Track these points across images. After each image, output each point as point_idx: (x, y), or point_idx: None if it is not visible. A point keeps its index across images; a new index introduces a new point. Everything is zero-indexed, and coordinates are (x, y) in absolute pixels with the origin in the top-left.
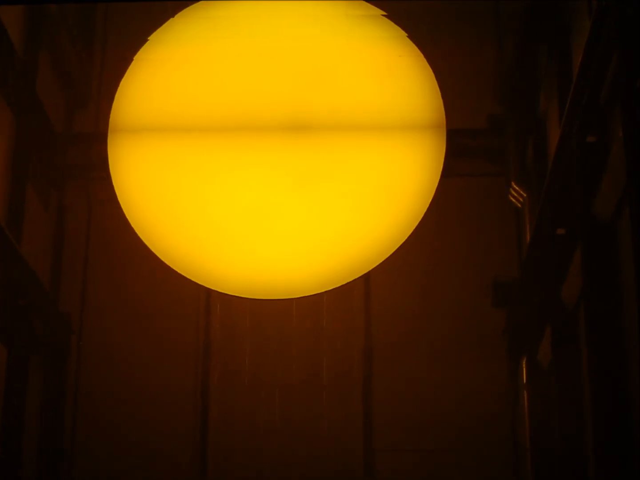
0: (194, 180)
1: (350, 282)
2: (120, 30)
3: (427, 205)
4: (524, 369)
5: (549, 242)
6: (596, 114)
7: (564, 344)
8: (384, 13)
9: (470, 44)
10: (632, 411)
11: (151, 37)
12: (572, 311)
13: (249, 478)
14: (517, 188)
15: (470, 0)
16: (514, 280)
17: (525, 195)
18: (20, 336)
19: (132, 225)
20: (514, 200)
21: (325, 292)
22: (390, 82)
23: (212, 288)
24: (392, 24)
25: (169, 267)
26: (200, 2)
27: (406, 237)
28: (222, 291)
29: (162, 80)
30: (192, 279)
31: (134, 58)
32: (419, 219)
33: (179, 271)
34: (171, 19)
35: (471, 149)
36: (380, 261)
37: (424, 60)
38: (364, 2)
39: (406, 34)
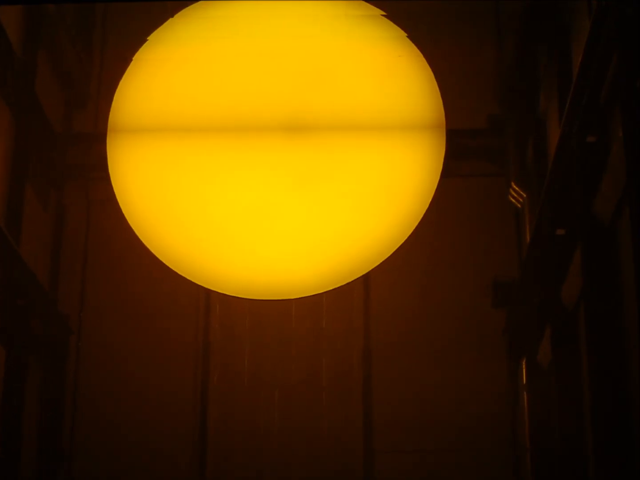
0: (194, 180)
1: (349, 282)
2: (120, 30)
3: (427, 206)
4: (524, 369)
5: (548, 242)
6: (596, 114)
7: (564, 344)
8: (384, 13)
9: (470, 44)
10: (632, 411)
11: (150, 37)
12: (572, 311)
13: (248, 478)
14: (516, 188)
15: (470, 0)
16: (513, 281)
17: (525, 195)
18: (19, 336)
19: (131, 226)
20: (513, 200)
21: (325, 292)
22: (390, 82)
23: (212, 288)
24: (392, 24)
25: (168, 267)
26: (200, 2)
27: (406, 238)
28: (222, 292)
29: (161, 80)
30: (192, 280)
31: (133, 58)
32: (419, 219)
33: (178, 271)
34: (171, 19)
35: (471, 149)
36: (380, 261)
37: (424, 60)
38: (363, 2)
39: (406, 34)
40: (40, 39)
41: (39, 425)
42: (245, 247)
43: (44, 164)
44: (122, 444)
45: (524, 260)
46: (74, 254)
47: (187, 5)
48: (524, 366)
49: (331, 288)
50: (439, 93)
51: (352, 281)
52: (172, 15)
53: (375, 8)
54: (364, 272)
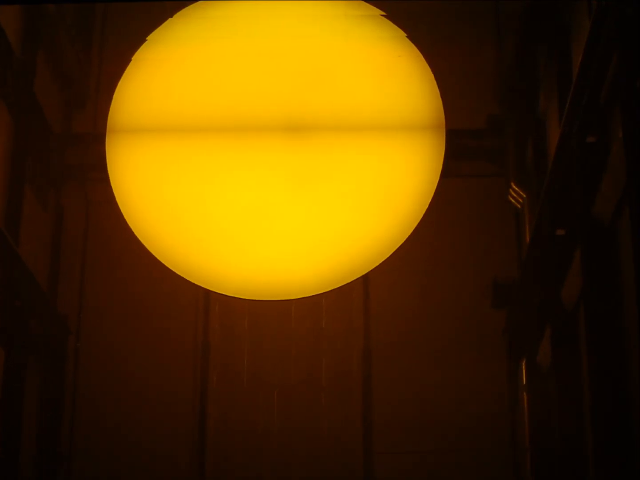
0: (193, 180)
1: (349, 282)
2: (119, 30)
3: (427, 206)
4: (524, 369)
5: (548, 242)
6: (596, 114)
7: (564, 344)
8: (383, 13)
9: (470, 44)
10: (632, 411)
11: (150, 37)
12: (572, 311)
13: (248, 478)
14: (516, 188)
15: (470, 0)
16: (513, 281)
17: (524, 195)
18: (18, 337)
19: (130, 226)
20: (513, 200)
21: (325, 292)
22: (390, 82)
23: (211, 289)
24: (392, 24)
25: (167, 268)
26: (199, 2)
27: (406, 238)
28: (221, 292)
29: (160, 80)
30: (191, 280)
31: (133, 58)
32: (419, 220)
33: (177, 272)
34: (170, 19)
35: (471, 149)
36: (380, 262)
37: (424, 60)
38: (363, 2)
39: (405, 34)
40: (40, 39)
41: (39, 426)
42: (244, 248)
43: (42, 164)
44: (121, 444)
45: (523, 260)
46: (73, 254)
47: (186, 5)
48: (523, 366)
49: (331, 288)
50: (438, 93)
51: (352, 281)
52: (171, 15)
53: (374, 8)
54: (363, 273)
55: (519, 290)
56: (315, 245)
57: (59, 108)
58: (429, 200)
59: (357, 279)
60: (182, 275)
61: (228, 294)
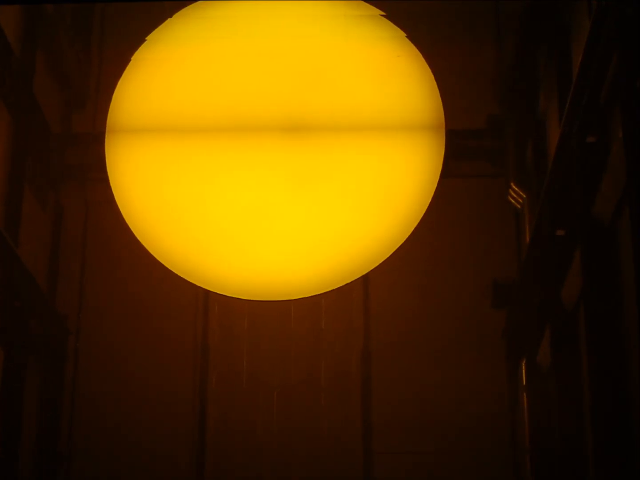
0: (192, 180)
1: (349, 283)
2: (118, 31)
3: (427, 206)
4: (524, 369)
5: (548, 242)
6: (596, 114)
7: (564, 345)
8: (383, 13)
9: (470, 44)
10: (632, 411)
11: (149, 37)
12: (572, 312)
13: (247, 479)
14: (516, 189)
15: (469, 0)
16: (513, 282)
17: (524, 195)
18: (18, 337)
19: (130, 227)
20: (513, 201)
21: (324, 293)
22: (389, 82)
23: (210, 289)
24: (391, 24)
25: (166, 268)
26: (199, 2)
27: (405, 238)
28: (220, 292)
29: (160, 80)
30: (190, 280)
31: (132, 58)
32: (418, 220)
33: (176, 272)
34: (169, 19)
35: (471, 149)
36: (380, 262)
37: (423, 60)
38: (362, 2)
39: (405, 34)
40: (39, 39)
41: (38, 426)
42: (244, 248)
43: (42, 164)
44: (121, 444)
45: (523, 260)
46: (72, 254)
47: (185, 5)
48: (523, 367)
49: (331, 289)
50: (438, 93)
51: (352, 282)
52: (170, 15)
53: (374, 8)
54: (363, 273)
55: (519, 290)
56: (314, 246)
57: (59, 108)
58: (429, 201)
59: (356, 279)
60: (181, 275)
61: (227, 295)
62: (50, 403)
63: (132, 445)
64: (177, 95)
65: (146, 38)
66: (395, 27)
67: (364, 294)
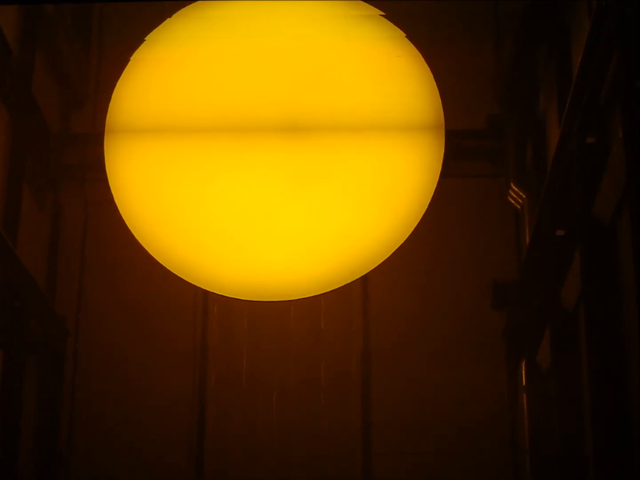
0: (191, 181)
1: (348, 283)
2: (118, 31)
3: (426, 207)
4: (524, 370)
5: (548, 242)
6: (596, 114)
7: (564, 345)
8: (382, 13)
9: (470, 44)
10: (632, 411)
11: (148, 37)
12: (572, 312)
13: (246, 479)
14: (516, 189)
15: (469, 0)
16: (513, 282)
17: (524, 196)
18: (16, 338)
19: (129, 227)
20: (513, 201)
21: (324, 293)
22: (389, 82)
23: (209, 290)
24: (391, 24)
25: (166, 268)
26: (198, 1)
27: (405, 239)
28: (220, 293)
29: (159, 80)
30: (189, 281)
31: (131, 58)
32: (418, 220)
33: (176, 273)
34: (168, 19)
35: (470, 149)
36: (379, 262)
37: (423, 60)
38: (362, 2)
39: (405, 34)
40: (38, 39)
41: (38, 426)
42: (243, 248)
43: (41, 164)
44: (120, 444)
45: (523, 261)
46: (71, 255)
47: (185, 5)
48: (523, 367)
49: (330, 289)
50: (438, 93)
51: (351, 282)
52: (169, 15)
53: (373, 8)
54: (363, 273)
55: (519, 290)
56: (314, 246)
57: (58, 108)
58: (429, 201)
59: (356, 280)
60: (180, 276)
61: (227, 295)
62: (49, 403)
63: (132, 445)
64: (176, 96)
65: (145, 38)
66: (394, 27)
67: (363, 294)
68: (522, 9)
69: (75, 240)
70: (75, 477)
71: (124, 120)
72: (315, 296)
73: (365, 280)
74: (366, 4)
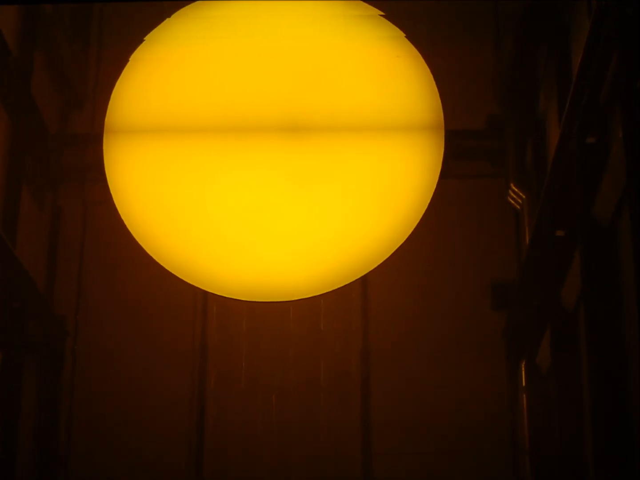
0: (190, 181)
1: (348, 284)
2: (117, 31)
3: (426, 207)
4: (523, 370)
5: (548, 242)
6: (596, 114)
7: (564, 345)
8: (382, 13)
9: (470, 44)
10: (632, 411)
11: (147, 37)
12: (572, 312)
13: None
14: (516, 189)
15: (469, 0)
16: (513, 282)
17: (524, 196)
18: (15, 338)
19: (128, 227)
20: (512, 201)
21: (323, 294)
22: (389, 82)
23: (209, 290)
24: (390, 24)
25: (165, 269)
26: (197, 2)
27: (405, 239)
28: (219, 293)
29: (158, 80)
30: (189, 281)
31: (131, 58)
32: (418, 221)
33: (175, 273)
34: (168, 19)
35: (470, 149)
36: (379, 263)
37: (423, 60)
38: (361, 2)
39: (404, 34)
40: (37, 39)
41: (37, 427)
42: (243, 249)
43: (39, 165)
44: (119, 445)
45: (523, 261)
46: (70, 255)
47: (184, 5)
48: (523, 367)
49: (330, 290)
50: (437, 93)
51: (350, 283)
52: (169, 15)
53: (373, 8)
54: (362, 274)
55: (519, 290)
56: (313, 246)
57: (57, 108)
58: (428, 201)
59: (355, 280)
60: (179, 276)
61: (226, 296)
62: (48, 403)
63: (131, 445)
64: (175, 96)
65: (145, 38)
66: (394, 27)
67: (363, 294)
68: (522, 9)
69: (75, 241)
70: (74, 477)
71: (123, 121)
72: (314, 296)
73: (365, 281)
74: (366, 4)
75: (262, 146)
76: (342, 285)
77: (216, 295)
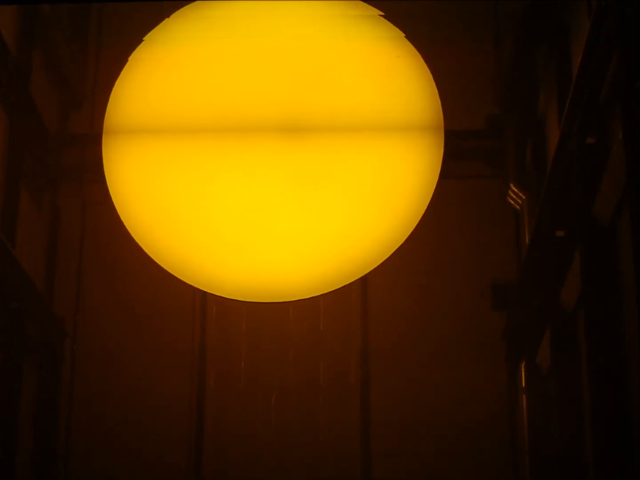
0: (190, 182)
1: (347, 284)
2: (116, 31)
3: (425, 207)
4: (523, 371)
5: (548, 243)
6: (596, 114)
7: (564, 345)
8: (382, 13)
9: (469, 44)
10: (632, 411)
11: (147, 37)
12: (571, 312)
13: None
14: (516, 190)
15: (469, 0)
16: (513, 283)
17: (524, 196)
18: (15, 339)
19: (127, 227)
20: (512, 202)
21: (323, 294)
22: (388, 82)
23: (208, 291)
24: (390, 24)
25: (164, 269)
26: (196, 1)
27: (404, 239)
28: (218, 294)
29: (157, 81)
30: (188, 282)
31: (129, 58)
32: (417, 221)
33: (174, 274)
34: (167, 19)
35: (470, 150)
36: (378, 263)
37: (422, 60)
38: (361, 2)
39: (404, 35)
40: (36, 39)
41: (36, 427)
42: (242, 249)
43: (38, 165)
44: (118, 445)
45: (523, 261)
46: (69, 256)
47: (183, 5)
48: (523, 368)
49: (329, 290)
50: (437, 94)
51: (350, 283)
52: (168, 15)
53: (373, 8)
54: (362, 274)
55: (519, 291)
56: (313, 247)
57: (56, 108)
58: (428, 202)
59: (355, 280)
60: (179, 277)
61: (225, 296)
62: (47, 404)
63: (130, 446)
64: (175, 96)
65: (144, 38)
66: (394, 27)
67: (362, 295)
68: (522, 9)
69: (74, 241)
70: (74, 477)
71: (122, 121)
72: (314, 297)
73: (364, 281)
74: (365, 4)
75: (261, 146)
76: (341, 285)
77: (215, 295)
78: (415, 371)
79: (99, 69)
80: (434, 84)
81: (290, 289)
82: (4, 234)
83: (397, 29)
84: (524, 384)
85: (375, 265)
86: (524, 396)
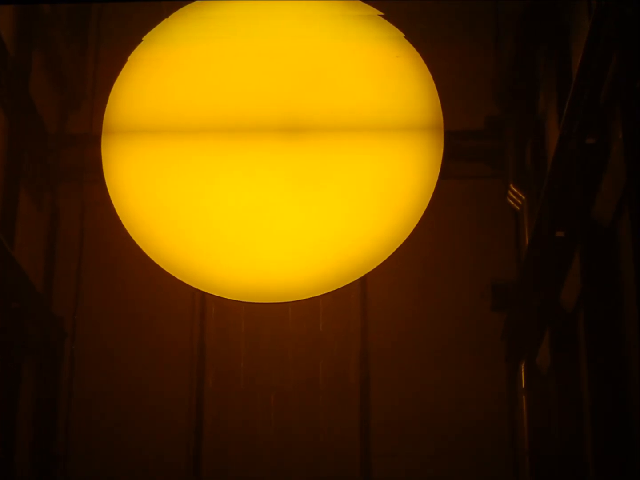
0: (189, 182)
1: (347, 285)
2: (115, 31)
3: (425, 208)
4: (523, 371)
5: (548, 243)
6: (596, 114)
7: (564, 345)
8: (381, 13)
9: (469, 45)
10: (632, 411)
11: (146, 38)
12: (571, 313)
13: None
14: (515, 190)
15: (469, 0)
16: (513, 283)
17: (524, 197)
18: (14, 339)
19: (126, 228)
20: (512, 202)
21: (322, 295)
22: (388, 83)
23: (207, 291)
24: (390, 24)
25: (163, 270)
26: (196, 1)
27: (404, 240)
28: (217, 294)
29: (156, 81)
30: (187, 282)
31: (129, 58)
32: (417, 221)
33: (173, 274)
34: (166, 19)
35: (470, 150)
36: (378, 264)
37: (422, 60)
38: (360, 2)
39: (404, 35)
40: (35, 39)
41: (35, 427)
42: (241, 249)
43: (37, 165)
44: (117, 445)
45: (523, 261)
46: (68, 256)
47: (182, 5)
48: (523, 368)
49: (329, 290)
50: (437, 94)
51: (349, 284)
52: (167, 16)
53: (372, 8)
54: (361, 275)
55: (518, 291)
56: (312, 248)
57: (55, 109)
58: (427, 202)
59: (354, 281)
60: (178, 277)
61: (224, 297)
62: (46, 404)
63: (129, 446)
64: (174, 96)
65: (143, 38)
66: (393, 27)
67: (362, 295)
68: (522, 9)
69: (73, 241)
70: (73, 477)
71: (122, 121)
72: (313, 298)
73: (363, 282)
74: (365, 4)
75: (261, 146)
76: (341, 286)
77: (215, 296)
78: (415, 371)
79: (98, 69)
80: (433, 84)
81: (289, 289)
82: (4, 234)
83: (397, 29)
84: (523, 384)
85: (375, 266)
86: (524, 396)
